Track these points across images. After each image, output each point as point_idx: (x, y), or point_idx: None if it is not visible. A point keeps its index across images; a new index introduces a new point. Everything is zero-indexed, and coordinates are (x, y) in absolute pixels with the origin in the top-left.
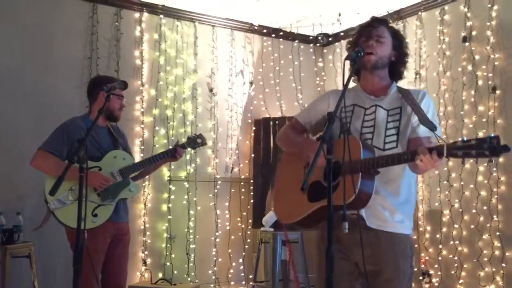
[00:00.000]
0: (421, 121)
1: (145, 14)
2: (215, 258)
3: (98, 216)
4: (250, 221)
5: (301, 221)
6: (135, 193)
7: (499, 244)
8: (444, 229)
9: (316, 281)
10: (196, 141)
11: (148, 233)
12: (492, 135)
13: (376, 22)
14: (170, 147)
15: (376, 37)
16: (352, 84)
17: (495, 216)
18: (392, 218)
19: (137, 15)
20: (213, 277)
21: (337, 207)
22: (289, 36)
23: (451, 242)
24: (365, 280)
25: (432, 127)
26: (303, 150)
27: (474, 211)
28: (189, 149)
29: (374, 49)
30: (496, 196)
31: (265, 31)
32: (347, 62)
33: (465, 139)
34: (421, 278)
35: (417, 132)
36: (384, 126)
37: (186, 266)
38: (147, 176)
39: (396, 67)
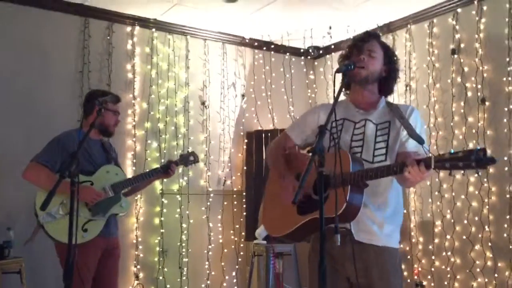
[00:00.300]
0: (410, 135)
1: (137, 28)
2: (208, 272)
3: (88, 231)
4: (243, 234)
5: (291, 234)
6: (125, 209)
7: (491, 255)
8: (437, 240)
9: None
10: (188, 159)
11: (140, 247)
12: (479, 147)
13: (368, 36)
14: (163, 160)
15: (368, 52)
16: (341, 98)
17: (486, 227)
18: (380, 232)
19: (129, 29)
20: None
21: (326, 220)
22: (280, 49)
23: (444, 253)
24: None
25: (420, 141)
26: (293, 162)
27: (465, 221)
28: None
29: (365, 63)
30: (487, 207)
31: (256, 44)
32: (338, 75)
33: (452, 151)
34: None
35: (406, 146)
36: (373, 140)
37: (179, 280)
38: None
39: (386, 83)
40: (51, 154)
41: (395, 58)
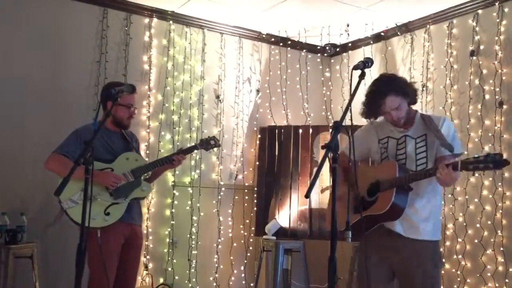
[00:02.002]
0: (442, 145)
1: (155, 20)
2: (216, 265)
3: (111, 215)
4: (252, 228)
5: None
6: (147, 192)
7: (503, 260)
8: (448, 243)
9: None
10: (209, 143)
11: (150, 237)
12: (495, 152)
13: (382, 94)
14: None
15: (394, 111)
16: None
17: (499, 231)
18: (424, 228)
19: (146, 20)
20: (214, 284)
21: (375, 218)
22: (297, 46)
23: (455, 256)
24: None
25: (450, 149)
26: (349, 174)
27: (478, 225)
28: (202, 150)
29: (398, 116)
30: (500, 211)
31: (273, 39)
32: (355, 72)
33: (476, 155)
34: None
35: (441, 152)
36: (414, 153)
37: (187, 272)
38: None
39: (411, 103)
40: (71, 145)
41: (408, 88)
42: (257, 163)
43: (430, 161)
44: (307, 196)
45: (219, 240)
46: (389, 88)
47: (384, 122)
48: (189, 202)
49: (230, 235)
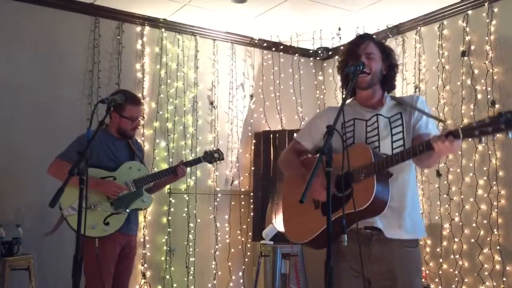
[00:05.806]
0: (428, 116)
1: (147, 28)
2: (214, 271)
3: (110, 225)
4: (250, 234)
5: (318, 237)
6: (147, 204)
7: (500, 258)
8: (445, 243)
9: None
10: (213, 156)
11: (147, 245)
12: (503, 111)
13: (362, 39)
14: (171, 160)
15: (366, 55)
16: (348, 100)
17: (495, 230)
18: (406, 226)
19: (138, 28)
20: None
21: (355, 215)
22: (289, 50)
23: (452, 256)
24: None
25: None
26: (309, 168)
27: (474, 225)
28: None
29: (367, 66)
30: (496, 210)
31: (265, 44)
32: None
33: (476, 120)
34: None
35: (417, 128)
36: (389, 132)
37: (185, 279)
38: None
39: (387, 79)
40: (73, 151)
41: (392, 54)
42: (253, 168)
43: (407, 142)
44: (302, 201)
45: (217, 246)
46: (371, 38)
47: (349, 105)
48: (186, 209)
49: (228, 241)
